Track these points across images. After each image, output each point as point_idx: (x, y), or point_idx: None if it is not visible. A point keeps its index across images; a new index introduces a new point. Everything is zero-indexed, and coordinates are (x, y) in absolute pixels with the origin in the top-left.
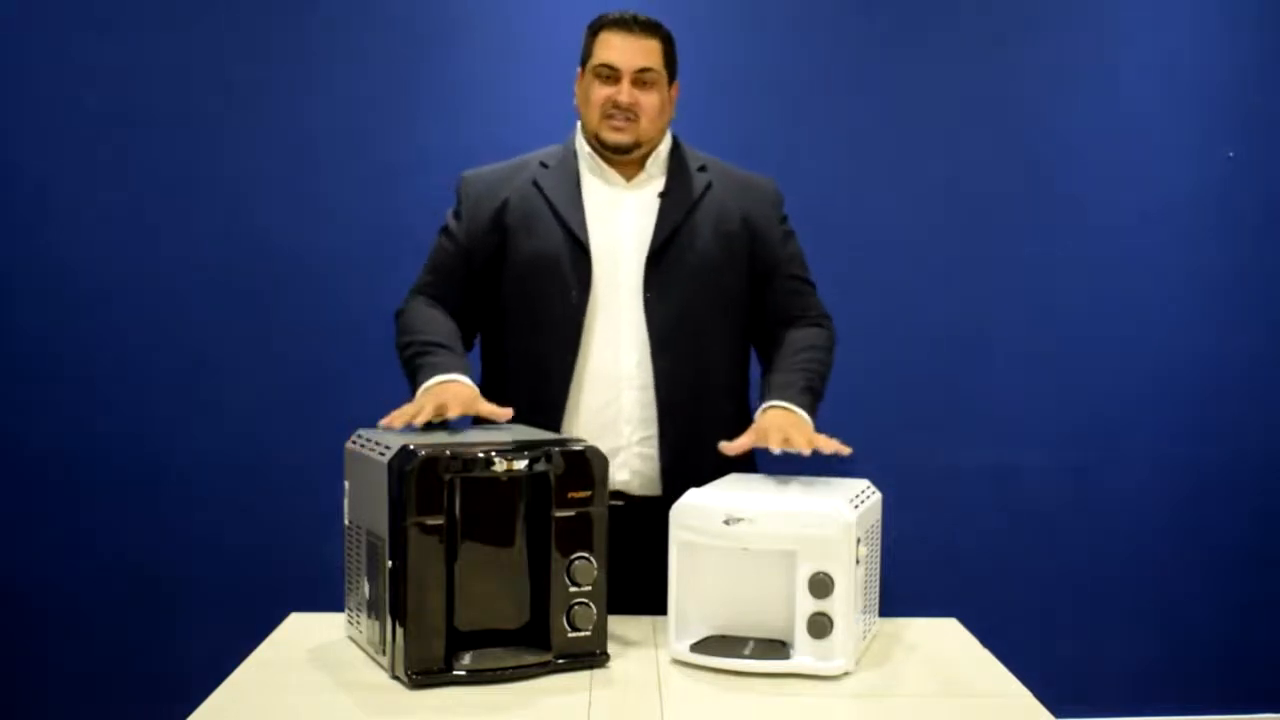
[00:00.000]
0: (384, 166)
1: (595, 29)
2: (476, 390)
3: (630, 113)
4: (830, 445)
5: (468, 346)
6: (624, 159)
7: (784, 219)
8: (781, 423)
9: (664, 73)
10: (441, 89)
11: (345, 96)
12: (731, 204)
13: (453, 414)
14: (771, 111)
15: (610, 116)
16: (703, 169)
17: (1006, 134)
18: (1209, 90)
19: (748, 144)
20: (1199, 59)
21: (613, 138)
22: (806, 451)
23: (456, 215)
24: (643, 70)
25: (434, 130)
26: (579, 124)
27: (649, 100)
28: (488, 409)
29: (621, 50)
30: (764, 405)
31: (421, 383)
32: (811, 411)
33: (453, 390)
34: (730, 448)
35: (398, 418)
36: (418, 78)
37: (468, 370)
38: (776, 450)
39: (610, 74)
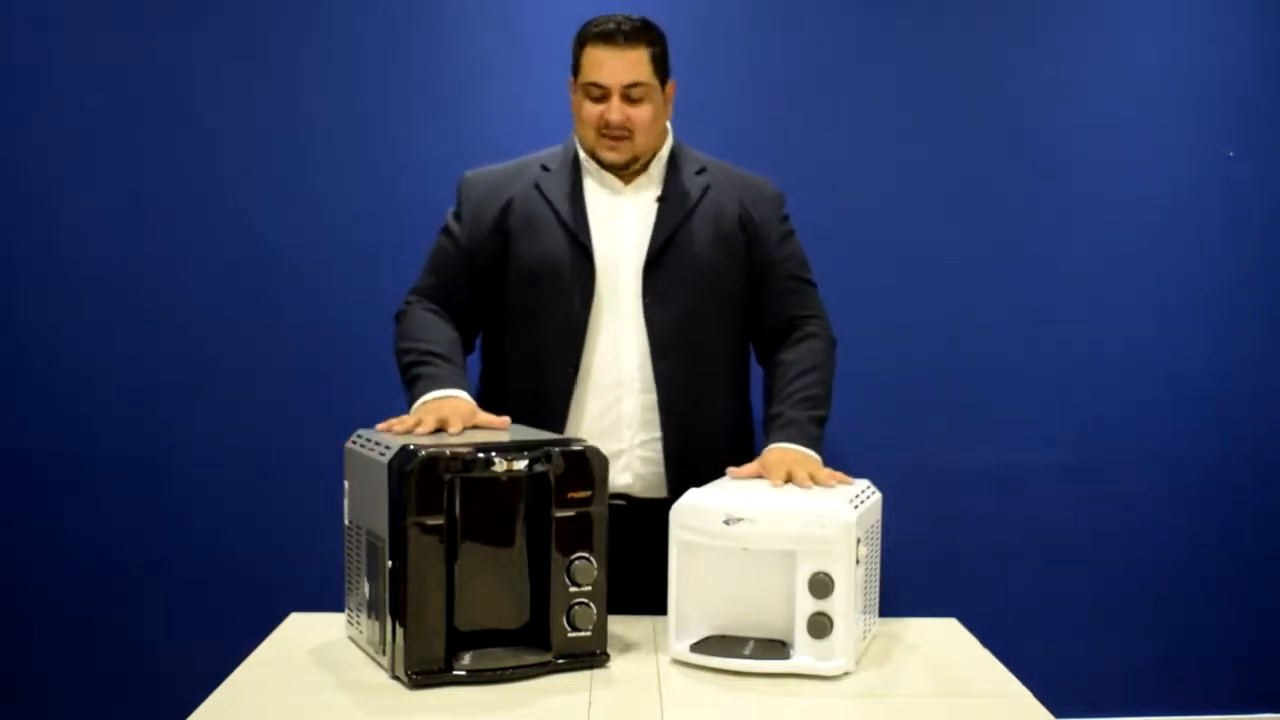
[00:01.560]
0: (384, 166)
1: (581, 41)
2: (475, 405)
3: (623, 130)
4: (834, 479)
5: (468, 349)
6: (623, 172)
7: (784, 219)
8: (785, 459)
9: (654, 81)
10: (440, 89)
11: (344, 97)
12: (730, 205)
13: (453, 429)
14: (770, 111)
15: (604, 135)
16: (702, 171)
17: (1006, 133)
18: (1209, 90)
19: (746, 144)
20: (1199, 59)
21: (608, 157)
22: (809, 486)
23: (457, 217)
24: (631, 85)
25: (433, 130)
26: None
27: (640, 114)
28: (486, 419)
29: (608, 67)
30: (769, 446)
31: (419, 395)
32: (818, 442)
33: (451, 405)
34: (736, 473)
35: (396, 425)
36: (416, 77)
37: (466, 384)
38: (779, 485)
39: (600, 93)
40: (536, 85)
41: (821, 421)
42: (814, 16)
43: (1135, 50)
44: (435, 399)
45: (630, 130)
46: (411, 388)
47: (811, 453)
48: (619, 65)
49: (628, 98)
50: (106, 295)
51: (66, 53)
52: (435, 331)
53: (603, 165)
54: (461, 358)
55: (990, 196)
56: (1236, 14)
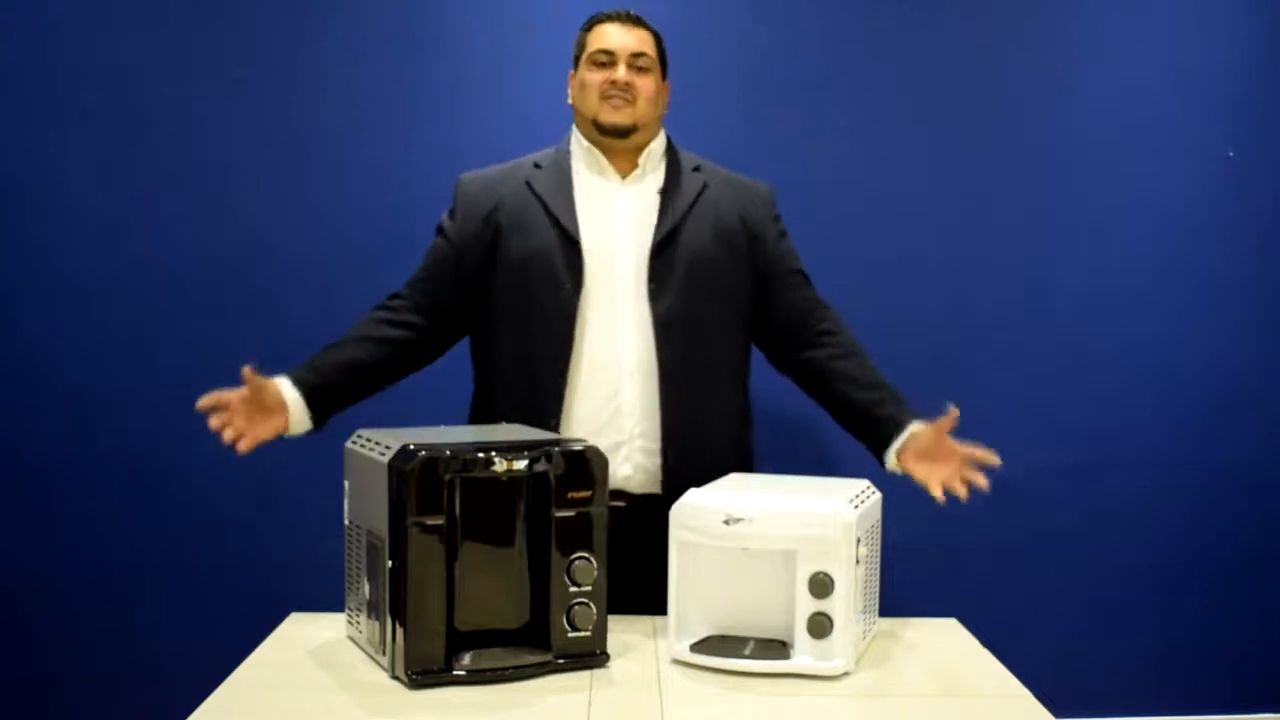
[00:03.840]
0: (384, 166)
1: (588, 26)
2: (258, 392)
3: (627, 92)
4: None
5: (446, 346)
6: (621, 144)
7: (777, 219)
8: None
9: (656, 61)
10: (440, 91)
11: (344, 98)
12: (727, 205)
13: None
14: (768, 112)
15: (609, 97)
16: (697, 169)
17: (1007, 134)
18: (1209, 90)
19: (744, 144)
20: (1199, 59)
21: (611, 117)
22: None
23: (451, 215)
24: (637, 55)
25: (433, 131)
26: (574, 125)
27: (644, 83)
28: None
29: (617, 37)
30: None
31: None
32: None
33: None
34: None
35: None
36: (416, 79)
37: (305, 380)
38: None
39: (607, 59)
40: (534, 88)
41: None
42: (813, 17)
43: (1135, 50)
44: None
45: (634, 95)
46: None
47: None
48: (628, 36)
49: (634, 66)
50: (107, 295)
51: (66, 53)
52: (354, 345)
53: (603, 136)
54: (340, 374)
55: (990, 196)
56: (1237, 14)
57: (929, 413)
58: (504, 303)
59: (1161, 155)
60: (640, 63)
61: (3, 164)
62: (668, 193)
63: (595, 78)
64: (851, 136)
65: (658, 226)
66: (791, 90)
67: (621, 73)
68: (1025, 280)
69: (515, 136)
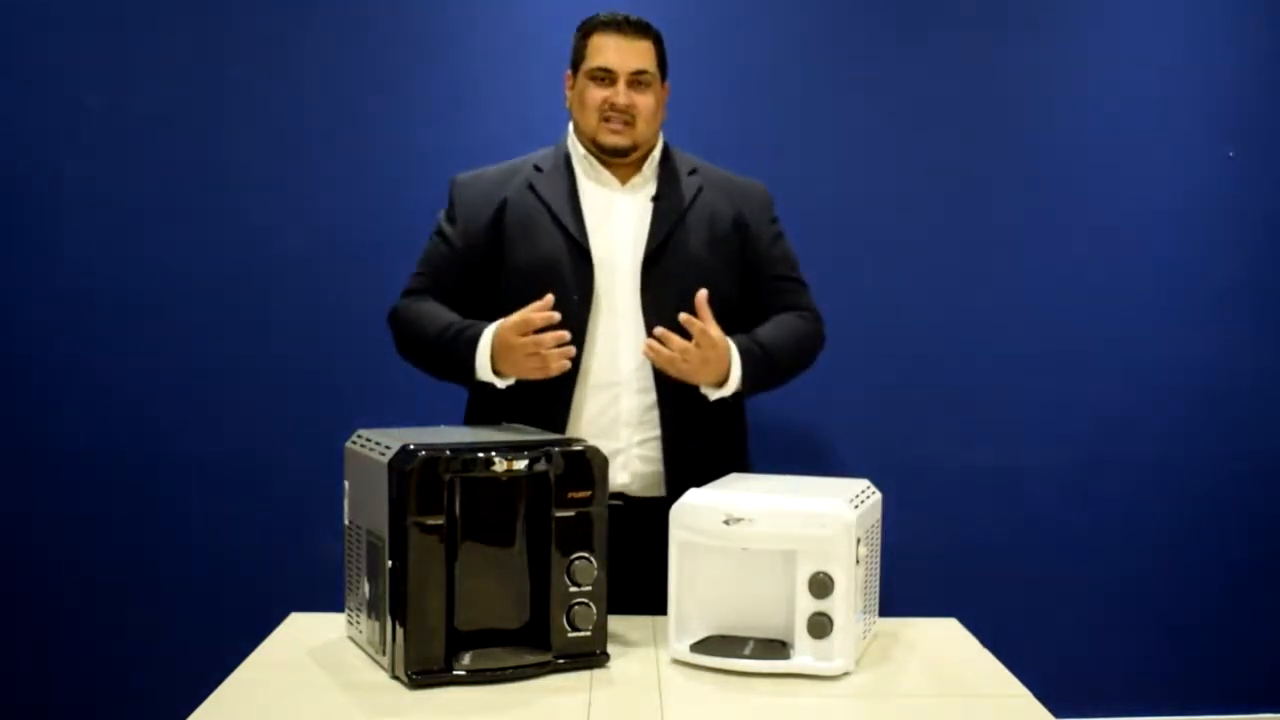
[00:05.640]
0: (384, 166)
1: (586, 31)
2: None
3: (627, 115)
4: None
5: None
6: (621, 161)
7: (774, 220)
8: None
9: (657, 74)
10: (439, 91)
11: (343, 98)
12: (723, 207)
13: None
14: (767, 112)
15: (608, 120)
16: (693, 173)
17: (1006, 133)
18: (1209, 90)
19: (743, 144)
20: (1199, 59)
21: (611, 140)
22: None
23: (450, 219)
24: (638, 73)
25: (433, 130)
26: (571, 126)
27: (644, 102)
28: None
29: (616, 53)
30: None
31: (480, 333)
32: (745, 353)
33: (509, 340)
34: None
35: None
36: (415, 79)
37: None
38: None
39: (606, 77)
40: (533, 87)
41: (760, 345)
42: (811, 17)
43: (1135, 50)
44: (495, 330)
45: (634, 116)
46: (470, 347)
47: (733, 346)
48: (627, 52)
49: (633, 84)
50: (106, 295)
51: (66, 53)
52: (447, 310)
53: (602, 154)
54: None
55: (991, 196)
56: (1237, 14)
57: (927, 417)
58: (511, 308)
59: (1161, 155)
60: (641, 79)
61: (2, 164)
62: (660, 200)
63: (594, 97)
64: (851, 137)
65: (650, 237)
66: (785, 92)
67: (621, 95)
68: (1025, 280)
69: (516, 135)
